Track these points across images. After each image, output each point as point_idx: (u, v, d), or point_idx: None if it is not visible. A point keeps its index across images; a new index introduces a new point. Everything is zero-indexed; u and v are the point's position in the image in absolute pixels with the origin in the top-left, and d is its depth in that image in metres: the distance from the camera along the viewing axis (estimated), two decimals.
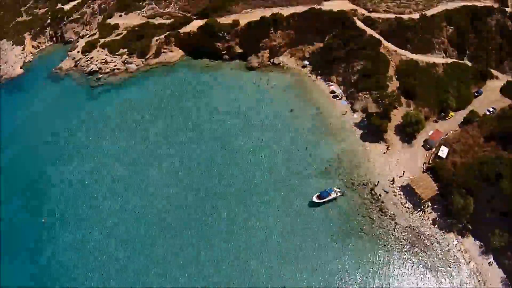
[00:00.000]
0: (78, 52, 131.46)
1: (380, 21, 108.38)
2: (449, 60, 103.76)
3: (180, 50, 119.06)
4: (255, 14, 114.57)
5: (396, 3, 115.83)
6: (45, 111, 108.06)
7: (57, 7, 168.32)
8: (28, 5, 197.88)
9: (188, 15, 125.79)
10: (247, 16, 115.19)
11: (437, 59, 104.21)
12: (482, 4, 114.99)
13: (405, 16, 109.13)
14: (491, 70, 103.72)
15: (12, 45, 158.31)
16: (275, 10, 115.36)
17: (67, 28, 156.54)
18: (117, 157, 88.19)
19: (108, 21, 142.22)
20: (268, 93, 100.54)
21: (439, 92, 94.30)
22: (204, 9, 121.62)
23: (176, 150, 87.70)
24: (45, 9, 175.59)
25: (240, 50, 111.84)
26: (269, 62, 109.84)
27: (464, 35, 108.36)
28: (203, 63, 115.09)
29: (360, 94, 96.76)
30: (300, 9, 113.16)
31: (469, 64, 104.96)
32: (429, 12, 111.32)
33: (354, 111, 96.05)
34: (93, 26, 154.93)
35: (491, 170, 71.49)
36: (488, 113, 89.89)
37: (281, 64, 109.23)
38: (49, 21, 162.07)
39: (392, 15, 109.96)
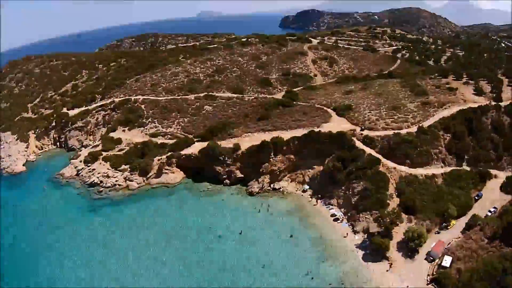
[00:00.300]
0: (81, 161, 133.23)
1: (379, 138, 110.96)
2: (448, 169, 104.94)
3: (181, 172, 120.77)
4: (255, 138, 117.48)
5: (394, 119, 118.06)
6: (43, 219, 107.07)
7: (62, 110, 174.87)
8: (35, 102, 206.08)
9: (190, 136, 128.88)
10: (247, 140, 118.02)
11: (436, 169, 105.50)
12: (477, 104, 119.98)
13: (403, 131, 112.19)
14: (490, 170, 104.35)
15: (16, 140, 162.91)
16: (275, 133, 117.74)
17: (71, 135, 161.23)
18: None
19: (112, 134, 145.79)
20: (269, 219, 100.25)
21: (439, 203, 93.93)
22: (206, 132, 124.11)
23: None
24: (51, 111, 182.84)
25: (241, 175, 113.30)
26: (269, 187, 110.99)
27: (461, 141, 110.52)
28: (204, 187, 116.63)
29: (361, 215, 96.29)
30: (299, 132, 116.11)
31: (468, 169, 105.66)
32: (426, 123, 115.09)
33: (355, 232, 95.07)
34: (97, 136, 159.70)
35: (496, 269, 69.45)
36: (489, 213, 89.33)
37: (281, 189, 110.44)
38: (53, 124, 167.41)
39: (390, 132, 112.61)
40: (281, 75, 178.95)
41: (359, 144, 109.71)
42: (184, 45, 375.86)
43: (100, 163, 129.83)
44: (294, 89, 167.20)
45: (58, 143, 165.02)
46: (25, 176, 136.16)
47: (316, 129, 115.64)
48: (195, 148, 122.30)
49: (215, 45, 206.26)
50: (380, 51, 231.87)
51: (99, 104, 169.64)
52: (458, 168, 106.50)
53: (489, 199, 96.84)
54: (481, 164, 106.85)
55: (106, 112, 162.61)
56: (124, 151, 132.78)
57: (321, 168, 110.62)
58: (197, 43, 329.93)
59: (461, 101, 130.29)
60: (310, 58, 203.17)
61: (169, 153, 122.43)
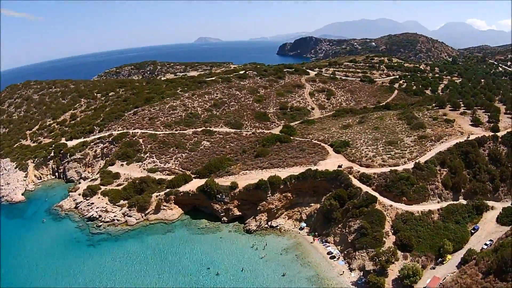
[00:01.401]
0: (80, 194, 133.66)
1: (376, 176, 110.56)
2: (445, 204, 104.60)
3: (179, 209, 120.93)
4: (253, 176, 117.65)
5: (391, 155, 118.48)
6: (42, 253, 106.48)
7: (61, 141, 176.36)
8: (34, 129, 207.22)
9: (188, 173, 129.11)
10: (245, 178, 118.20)
11: (433, 205, 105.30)
12: (474, 136, 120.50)
13: (400, 168, 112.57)
14: (486, 202, 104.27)
15: (15, 168, 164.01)
16: (272, 171, 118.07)
17: (70, 167, 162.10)
18: None
19: (110, 168, 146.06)
20: (265, 257, 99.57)
21: (435, 239, 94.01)
22: (204, 169, 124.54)
23: None
24: (50, 140, 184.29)
25: (239, 213, 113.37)
26: (266, 225, 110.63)
27: (458, 175, 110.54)
28: (202, 224, 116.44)
29: (357, 253, 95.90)
30: (297, 170, 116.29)
31: (464, 202, 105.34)
32: (423, 159, 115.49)
33: (351, 270, 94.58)
34: (95, 169, 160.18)
35: None
36: (485, 247, 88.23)
37: (278, 227, 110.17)
38: (52, 154, 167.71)
39: (387, 169, 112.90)
40: (278, 109, 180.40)
41: (356, 182, 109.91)
42: (183, 74, 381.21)
43: (99, 197, 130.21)
44: (292, 123, 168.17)
45: (56, 174, 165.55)
46: (25, 206, 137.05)
47: (313, 167, 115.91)
48: (193, 185, 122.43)
49: (213, 78, 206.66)
50: (378, 82, 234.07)
51: (97, 136, 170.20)
52: (454, 202, 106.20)
53: (486, 231, 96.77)
54: (477, 197, 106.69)
55: (104, 145, 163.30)
56: (122, 186, 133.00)
57: (318, 206, 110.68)
58: (195, 73, 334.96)
59: (458, 133, 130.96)
60: (308, 91, 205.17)
61: (167, 190, 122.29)
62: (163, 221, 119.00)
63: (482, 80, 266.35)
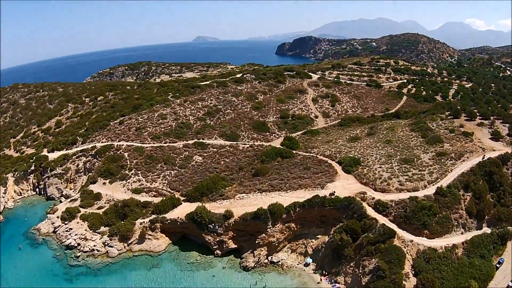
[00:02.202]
0: (58, 217, 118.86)
1: (393, 204, 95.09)
2: (469, 236, 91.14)
3: (167, 238, 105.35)
4: (250, 201, 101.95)
5: (408, 176, 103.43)
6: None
7: (43, 152, 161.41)
8: (18, 137, 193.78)
9: (177, 195, 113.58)
10: (241, 203, 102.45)
11: (456, 238, 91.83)
12: (497, 153, 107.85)
13: (420, 194, 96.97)
14: (510, 228, 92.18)
15: None
16: (273, 195, 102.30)
17: (50, 183, 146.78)
18: None
19: (91, 186, 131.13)
20: None
21: (460, 279, 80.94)
22: (194, 190, 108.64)
23: None
24: (32, 151, 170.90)
25: (234, 246, 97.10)
26: (266, 260, 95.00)
27: (483, 200, 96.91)
28: (192, 257, 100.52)
29: None
30: (301, 194, 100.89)
31: (489, 231, 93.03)
32: (444, 181, 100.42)
33: None
34: (77, 185, 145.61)
35: None
36: (511, 284, 78.40)
37: (280, 263, 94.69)
38: (33, 167, 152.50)
39: (406, 195, 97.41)
40: (279, 117, 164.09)
41: (370, 211, 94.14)
42: (179, 75, 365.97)
43: (78, 222, 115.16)
44: (294, 134, 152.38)
45: (37, 189, 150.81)
46: (3, 228, 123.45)
47: (320, 192, 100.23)
48: (182, 210, 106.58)
49: (208, 82, 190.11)
50: (385, 86, 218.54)
51: (80, 148, 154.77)
52: (478, 233, 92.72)
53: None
54: (502, 224, 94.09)
55: (87, 159, 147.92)
56: (104, 210, 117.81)
57: (326, 238, 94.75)
58: (191, 74, 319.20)
59: (480, 149, 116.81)
60: (311, 97, 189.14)
61: (153, 217, 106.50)
62: (148, 253, 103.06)
63: (492, 85, 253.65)
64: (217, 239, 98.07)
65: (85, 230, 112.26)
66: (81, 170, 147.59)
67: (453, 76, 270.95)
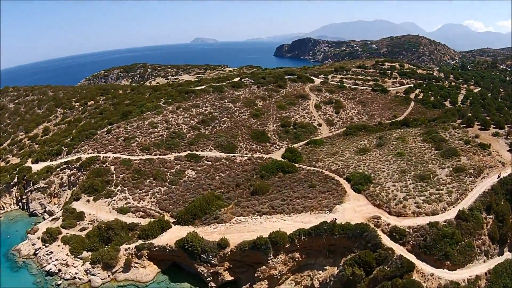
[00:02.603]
0: (39, 238, 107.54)
1: (411, 231, 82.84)
2: (491, 264, 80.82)
3: (155, 266, 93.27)
4: (249, 227, 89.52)
5: (425, 196, 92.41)
6: None
7: (27, 163, 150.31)
8: (4, 145, 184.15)
9: (166, 216, 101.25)
10: (238, 229, 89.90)
11: (479, 267, 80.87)
12: None
13: (440, 218, 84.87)
14: None
15: None
16: (274, 218, 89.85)
17: (33, 197, 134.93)
18: None
19: (74, 205, 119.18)
20: None
21: None
22: (186, 212, 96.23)
23: None
24: (18, 160, 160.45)
25: (231, 278, 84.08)
26: None
27: (506, 223, 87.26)
28: None
29: None
30: (306, 218, 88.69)
31: (510, 256, 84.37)
32: (465, 202, 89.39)
33: None
34: (62, 200, 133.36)
35: None
36: None
37: None
38: (16, 179, 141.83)
39: (424, 219, 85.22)
40: (279, 126, 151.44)
41: (385, 239, 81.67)
42: (175, 77, 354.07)
43: (59, 245, 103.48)
44: (296, 145, 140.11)
45: (20, 203, 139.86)
46: None
47: (328, 216, 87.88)
48: (172, 235, 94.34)
49: (203, 87, 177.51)
50: (391, 91, 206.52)
51: (64, 160, 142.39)
52: (501, 261, 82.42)
53: None
54: None
55: (71, 171, 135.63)
56: (86, 232, 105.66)
57: (336, 270, 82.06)
58: (188, 76, 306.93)
59: (499, 163, 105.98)
60: (313, 103, 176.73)
61: (139, 242, 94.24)
62: (135, 283, 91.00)
63: (501, 89, 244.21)
64: (211, 270, 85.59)
65: (66, 254, 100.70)
66: (65, 184, 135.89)
67: (460, 80, 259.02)
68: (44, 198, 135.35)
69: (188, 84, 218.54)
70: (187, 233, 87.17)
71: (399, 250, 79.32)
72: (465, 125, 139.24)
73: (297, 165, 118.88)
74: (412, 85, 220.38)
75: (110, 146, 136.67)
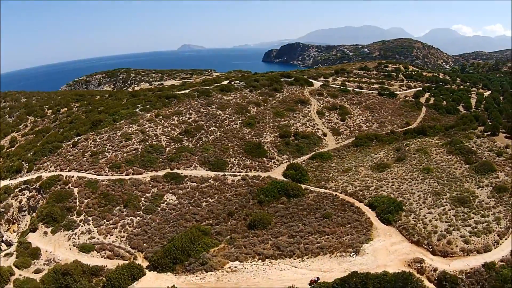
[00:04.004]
0: None
1: (464, 277, 60.81)
2: None
3: None
4: (248, 278, 65.72)
5: (471, 227, 72.14)
6: None
7: None
8: None
9: (139, 257, 77.14)
10: (234, 280, 66.10)
11: None
12: None
13: (495, 257, 64.03)
14: None
15: None
16: (282, 265, 66.29)
17: None
18: None
19: (30, 237, 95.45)
20: None
21: None
22: (164, 254, 71.93)
23: None
24: None
25: None
26: None
27: None
28: None
29: None
30: (326, 265, 65.17)
31: None
32: None
33: None
34: (21, 226, 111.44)
35: None
36: None
37: None
38: None
39: (477, 259, 64.04)
40: (278, 136, 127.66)
41: None
42: (159, 83, 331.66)
43: None
44: (299, 159, 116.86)
45: None
46: None
47: (355, 261, 64.36)
48: (146, 286, 69.77)
49: (187, 91, 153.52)
50: (399, 95, 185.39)
51: (24, 179, 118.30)
52: None
53: None
54: None
55: (31, 193, 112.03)
56: (41, 277, 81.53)
57: None
58: (173, 81, 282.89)
59: None
60: (315, 109, 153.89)
61: None
62: None
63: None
64: None
65: None
66: (24, 208, 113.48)
67: (468, 84, 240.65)
68: (1, 224, 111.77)
69: (171, 88, 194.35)
70: None
71: None
72: (489, 133, 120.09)
73: (303, 186, 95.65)
74: (420, 89, 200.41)
75: (74, 163, 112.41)
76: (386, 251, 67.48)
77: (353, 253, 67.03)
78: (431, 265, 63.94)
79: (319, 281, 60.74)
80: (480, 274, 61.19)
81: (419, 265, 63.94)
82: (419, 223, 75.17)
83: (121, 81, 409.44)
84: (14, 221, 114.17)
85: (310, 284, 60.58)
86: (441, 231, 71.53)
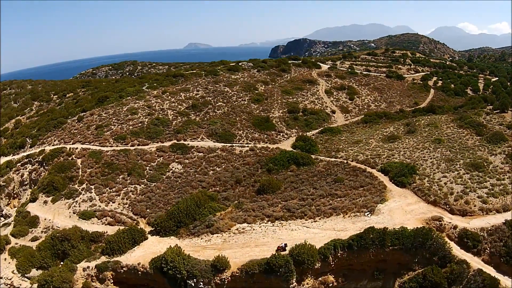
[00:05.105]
0: None
1: (486, 235, 57.74)
2: None
3: None
4: (257, 238, 62.85)
5: (488, 188, 69.05)
6: None
7: None
8: None
9: (142, 222, 74.37)
10: (241, 241, 62.99)
11: None
12: None
13: None
14: None
15: None
16: (293, 225, 63.09)
17: None
18: None
19: (30, 207, 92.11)
20: None
21: None
22: (167, 218, 69.26)
23: None
24: None
25: None
26: None
27: None
28: None
29: None
30: (339, 224, 62.28)
31: None
32: None
33: None
34: (22, 200, 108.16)
35: None
36: None
37: None
38: None
39: (497, 218, 61.39)
40: (286, 112, 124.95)
41: (455, 249, 55.90)
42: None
43: (5, 259, 77.80)
44: (308, 133, 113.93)
45: None
46: None
47: (370, 220, 61.46)
48: (147, 250, 67.54)
49: (194, 71, 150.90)
50: (407, 78, 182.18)
51: (26, 153, 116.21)
52: None
53: None
54: None
55: (33, 166, 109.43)
56: (38, 244, 78.76)
57: None
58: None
59: None
60: (323, 88, 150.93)
61: (102, 260, 67.20)
62: None
63: None
64: None
65: (13, 272, 74.58)
66: (26, 182, 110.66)
67: (475, 71, 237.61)
68: (2, 198, 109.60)
69: (176, 70, 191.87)
70: (167, 249, 59.90)
71: (474, 262, 54.46)
72: (498, 111, 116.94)
73: (313, 156, 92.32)
74: (429, 72, 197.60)
75: (79, 136, 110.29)
76: (402, 210, 64.63)
77: (368, 213, 64.18)
78: (450, 222, 61.04)
79: (286, 247, 57.58)
80: (502, 231, 58.38)
81: (438, 223, 61.01)
82: (434, 185, 72.42)
83: (127, 73, 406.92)
84: (15, 195, 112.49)
85: (277, 250, 57.35)
86: (457, 192, 68.89)
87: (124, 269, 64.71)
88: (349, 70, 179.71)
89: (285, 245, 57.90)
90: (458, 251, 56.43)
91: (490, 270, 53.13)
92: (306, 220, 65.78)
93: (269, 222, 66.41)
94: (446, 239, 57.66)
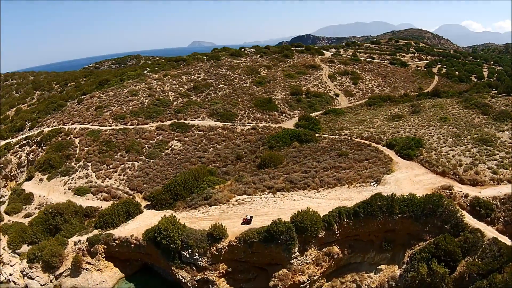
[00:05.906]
0: None
1: (499, 203, 55.02)
2: None
3: (116, 269, 63.08)
4: (257, 208, 60.62)
5: (497, 160, 66.55)
6: None
7: None
8: None
9: (138, 197, 71.29)
10: (241, 211, 60.69)
11: None
12: None
13: None
14: None
15: None
16: (295, 196, 60.20)
17: None
18: None
19: (25, 185, 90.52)
20: None
21: None
22: (164, 190, 66.52)
23: None
24: None
25: (227, 286, 53.03)
26: None
27: None
28: None
29: None
30: (344, 194, 59.82)
31: None
32: None
33: None
34: (20, 181, 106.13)
35: None
36: None
37: None
38: None
39: (508, 188, 58.37)
40: (289, 94, 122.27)
41: (468, 217, 52.92)
42: None
43: None
44: (311, 114, 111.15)
45: None
46: None
47: (376, 189, 58.48)
48: (142, 223, 65.07)
49: (196, 56, 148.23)
50: (411, 65, 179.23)
51: (25, 135, 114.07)
52: None
53: None
54: None
55: (31, 148, 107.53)
56: (30, 219, 76.29)
57: (397, 271, 52.68)
58: None
59: None
60: (327, 73, 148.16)
61: (94, 233, 64.65)
62: None
63: None
64: (198, 277, 55.54)
65: (3, 249, 73.68)
66: (23, 164, 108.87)
67: (478, 60, 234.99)
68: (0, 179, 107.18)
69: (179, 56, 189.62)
70: (161, 218, 57.20)
71: (488, 231, 51.24)
72: (504, 94, 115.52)
73: (316, 135, 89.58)
74: (433, 60, 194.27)
75: (78, 117, 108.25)
76: (410, 181, 61.79)
77: (374, 183, 61.35)
78: (461, 191, 58.04)
79: (252, 219, 54.79)
80: None
81: (448, 191, 57.99)
82: (442, 158, 69.56)
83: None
84: (12, 177, 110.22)
85: (242, 224, 54.52)
86: (466, 164, 66.04)
87: (117, 241, 62.15)
88: (353, 57, 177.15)
89: (251, 217, 55.10)
90: (470, 220, 53.52)
91: (505, 240, 50.18)
92: (309, 191, 63.13)
93: (270, 193, 63.83)
94: (456, 205, 54.89)
